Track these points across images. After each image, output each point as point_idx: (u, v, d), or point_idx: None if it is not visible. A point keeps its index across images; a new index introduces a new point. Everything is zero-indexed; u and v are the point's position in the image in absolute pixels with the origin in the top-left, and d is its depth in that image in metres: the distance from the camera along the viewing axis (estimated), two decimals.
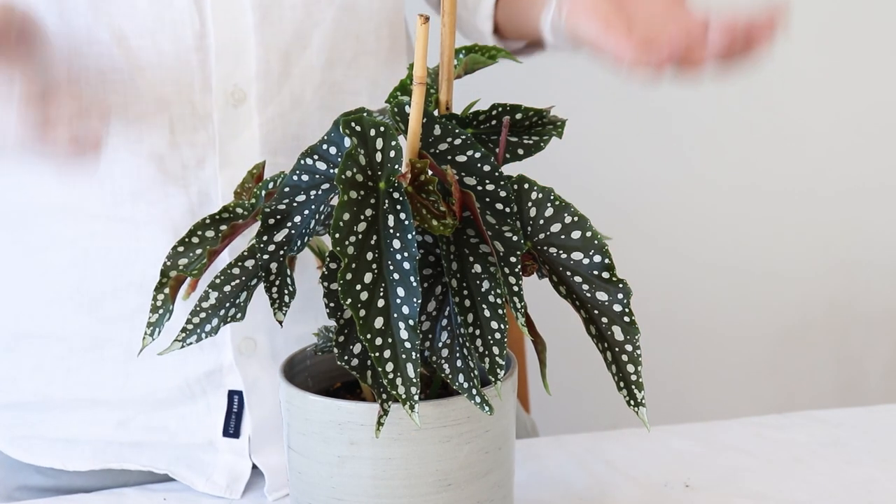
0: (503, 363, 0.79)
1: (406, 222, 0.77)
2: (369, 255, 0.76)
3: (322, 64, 1.09)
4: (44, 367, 1.13)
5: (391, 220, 0.77)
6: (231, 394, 1.11)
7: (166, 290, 0.87)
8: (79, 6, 1.03)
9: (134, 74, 1.05)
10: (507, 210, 0.80)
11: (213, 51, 1.05)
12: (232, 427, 1.10)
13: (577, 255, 0.81)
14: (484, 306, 0.79)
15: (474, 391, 0.80)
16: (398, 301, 0.76)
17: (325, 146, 0.81)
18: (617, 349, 0.82)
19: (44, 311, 1.11)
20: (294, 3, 1.08)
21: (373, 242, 0.77)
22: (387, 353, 0.76)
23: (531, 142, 0.86)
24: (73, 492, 1.14)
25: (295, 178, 0.82)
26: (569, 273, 0.82)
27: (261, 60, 1.07)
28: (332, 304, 0.80)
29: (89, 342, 1.11)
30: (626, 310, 0.81)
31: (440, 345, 0.81)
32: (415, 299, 0.76)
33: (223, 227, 0.88)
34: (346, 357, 0.80)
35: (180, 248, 0.88)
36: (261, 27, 1.06)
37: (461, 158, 0.81)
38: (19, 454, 1.16)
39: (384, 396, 0.79)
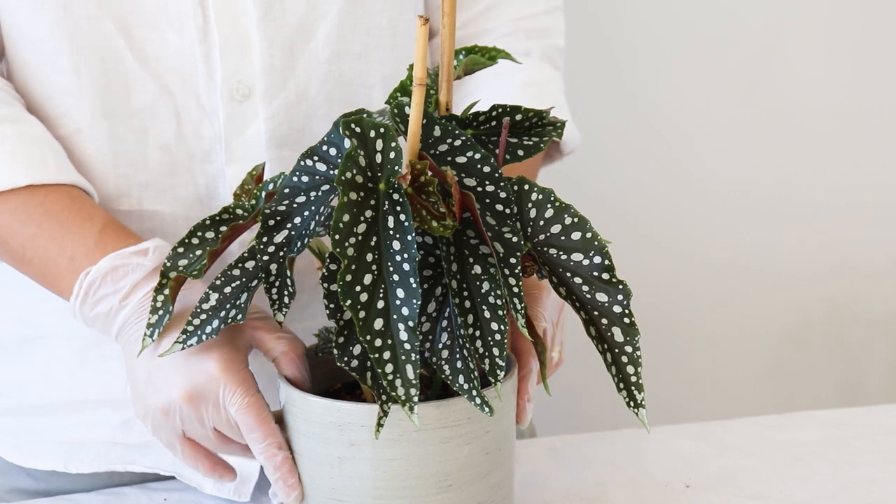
0: (503, 364, 0.79)
1: (406, 223, 0.77)
2: (369, 257, 0.76)
3: (328, 56, 1.08)
4: (49, 370, 1.13)
5: (391, 222, 0.77)
6: None
7: (166, 291, 0.87)
8: None
9: (138, 64, 1.05)
10: (507, 211, 0.80)
11: (217, 46, 1.05)
12: None
13: (577, 257, 0.81)
14: (484, 307, 0.79)
15: (474, 392, 0.80)
16: (398, 302, 0.76)
17: (324, 147, 0.81)
18: (617, 350, 0.82)
19: (47, 310, 1.11)
20: None
21: (373, 244, 0.77)
22: (386, 355, 0.76)
23: (531, 143, 0.86)
24: (67, 493, 1.14)
25: (295, 179, 0.82)
26: (569, 274, 0.82)
27: (265, 55, 1.06)
28: (331, 306, 0.80)
29: (91, 339, 1.10)
30: (626, 311, 0.81)
31: (440, 346, 0.81)
32: (415, 300, 0.76)
33: (223, 228, 0.88)
34: (345, 358, 0.80)
35: (180, 249, 0.88)
36: (263, 22, 1.05)
37: (461, 159, 0.81)
38: (21, 459, 1.15)
39: (384, 398, 0.79)
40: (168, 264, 0.87)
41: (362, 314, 0.76)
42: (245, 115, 1.06)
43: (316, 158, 0.81)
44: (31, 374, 1.14)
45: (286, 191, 0.82)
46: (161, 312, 0.87)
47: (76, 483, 1.14)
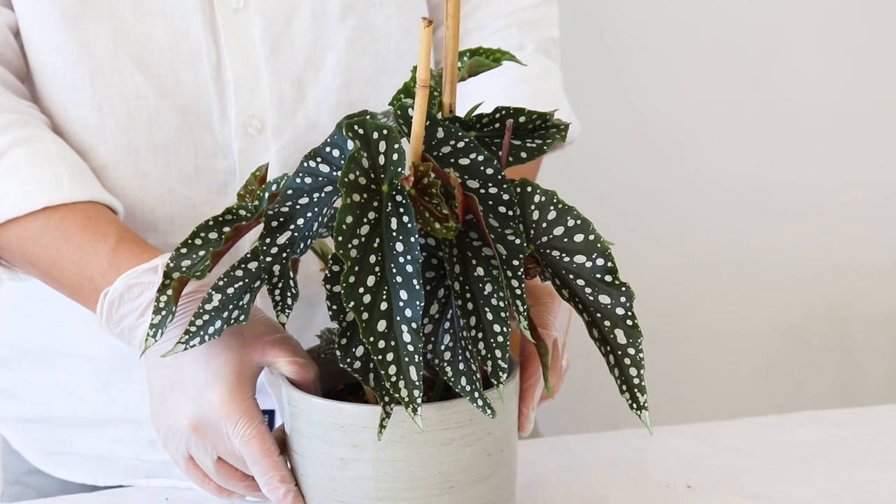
0: (505, 366, 0.79)
1: (409, 225, 0.77)
2: (372, 258, 0.76)
3: (337, 86, 1.10)
4: (74, 385, 1.15)
5: (394, 223, 0.77)
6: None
7: (169, 292, 0.87)
8: (99, 34, 1.04)
9: (158, 101, 1.06)
10: (510, 213, 0.80)
11: (230, 84, 1.06)
12: None
13: (579, 259, 0.81)
14: (486, 309, 0.79)
15: (476, 394, 0.80)
16: (401, 304, 0.76)
17: (328, 149, 0.81)
18: (620, 352, 0.82)
19: (73, 330, 1.12)
20: (304, 29, 1.07)
21: (376, 245, 0.77)
22: (389, 356, 0.76)
23: (534, 145, 0.86)
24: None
25: (298, 180, 0.82)
26: (571, 276, 0.82)
27: (273, 89, 1.07)
28: (334, 307, 0.80)
29: (117, 362, 1.12)
30: (629, 313, 0.81)
31: (442, 347, 0.81)
32: (418, 302, 0.76)
33: (226, 229, 0.88)
34: (348, 360, 0.80)
35: (183, 250, 0.88)
36: (272, 58, 1.07)
37: (464, 161, 0.81)
38: (52, 469, 1.17)
39: (387, 399, 0.79)
40: (171, 265, 0.87)
41: (365, 316, 0.76)
42: (257, 148, 1.08)
43: (319, 160, 0.81)
44: (57, 386, 1.16)
45: (289, 192, 0.82)
46: (164, 313, 0.87)
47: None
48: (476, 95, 1.11)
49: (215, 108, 1.07)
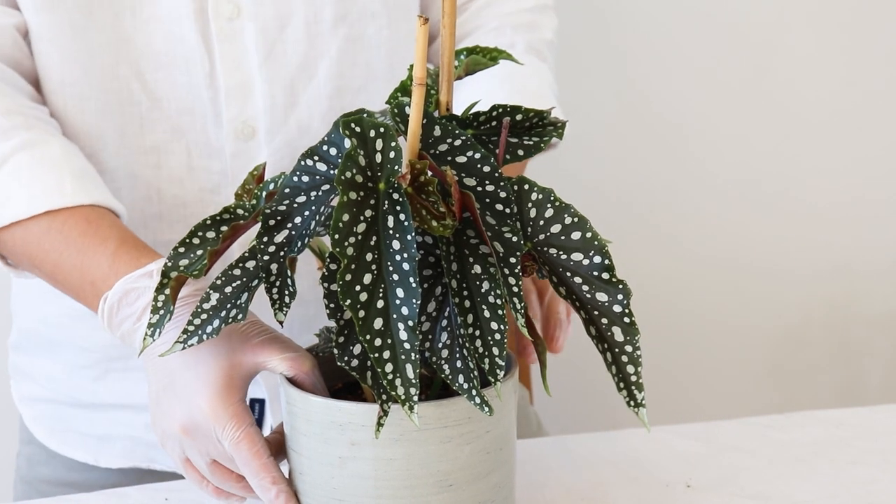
0: (503, 364, 0.79)
1: (406, 223, 0.77)
2: (369, 256, 0.76)
3: (329, 93, 1.12)
4: (74, 374, 1.19)
5: (391, 221, 0.77)
6: (252, 402, 1.14)
7: (167, 291, 0.87)
8: (102, 43, 1.07)
9: (152, 105, 1.09)
10: (507, 211, 0.80)
11: (222, 91, 1.09)
12: None
13: (577, 256, 0.81)
14: (484, 307, 0.79)
15: (474, 392, 0.80)
16: (397, 302, 0.76)
17: (325, 147, 0.81)
18: (617, 350, 0.82)
19: (69, 322, 1.16)
20: (297, 38, 1.10)
21: (372, 243, 0.77)
22: (386, 354, 0.76)
23: (531, 143, 0.86)
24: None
25: (295, 179, 0.82)
26: (569, 274, 0.82)
27: (266, 96, 1.10)
28: (332, 305, 0.80)
29: (114, 352, 1.16)
30: (626, 311, 0.81)
31: (440, 345, 0.81)
32: (414, 300, 0.76)
33: (224, 228, 0.88)
34: (346, 358, 0.80)
35: (181, 249, 0.88)
36: (265, 65, 1.10)
37: (461, 159, 0.81)
38: (56, 446, 1.22)
39: (384, 397, 0.79)
40: (169, 264, 0.87)
41: (362, 314, 0.76)
42: (249, 152, 1.11)
43: (316, 158, 0.81)
44: (59, 373, 1.20)
45: (286, 191, 0.82)
46: (162, 312, 0.87)
47: (105, 477, 1.20)
48: (463, 95, 1.12)
49: (209, 112, 1.10)
